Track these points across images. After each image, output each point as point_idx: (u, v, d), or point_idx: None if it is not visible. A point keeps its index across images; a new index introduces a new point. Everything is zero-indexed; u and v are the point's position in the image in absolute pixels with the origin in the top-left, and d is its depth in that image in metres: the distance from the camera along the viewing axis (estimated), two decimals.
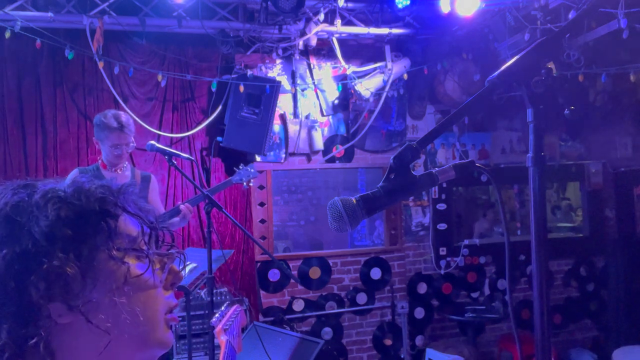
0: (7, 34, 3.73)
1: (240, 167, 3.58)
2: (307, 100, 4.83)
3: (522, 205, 5.72)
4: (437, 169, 1.02)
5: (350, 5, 4.45)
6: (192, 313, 3.40)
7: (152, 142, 3.01)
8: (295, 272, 4.76)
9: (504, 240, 1.06)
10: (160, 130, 4.39)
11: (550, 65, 3.81)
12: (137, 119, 4.07)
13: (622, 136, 5.54)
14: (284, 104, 4.72)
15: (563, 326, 5.51)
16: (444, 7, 3.97)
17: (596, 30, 3.97)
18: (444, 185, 5.18)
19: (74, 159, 4.17)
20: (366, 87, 4.70)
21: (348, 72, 4.77)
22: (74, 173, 3.10)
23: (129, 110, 4.06)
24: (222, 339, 1.81)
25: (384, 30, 4.54)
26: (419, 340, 5.11)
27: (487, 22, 4.45)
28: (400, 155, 0.97)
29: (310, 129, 4.76)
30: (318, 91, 4.82)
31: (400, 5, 4.20)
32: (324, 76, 4.84)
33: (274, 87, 4.37)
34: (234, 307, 1.99)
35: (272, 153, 4.68)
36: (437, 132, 1.04)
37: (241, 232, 4.45)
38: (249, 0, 4.26)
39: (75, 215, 0.69)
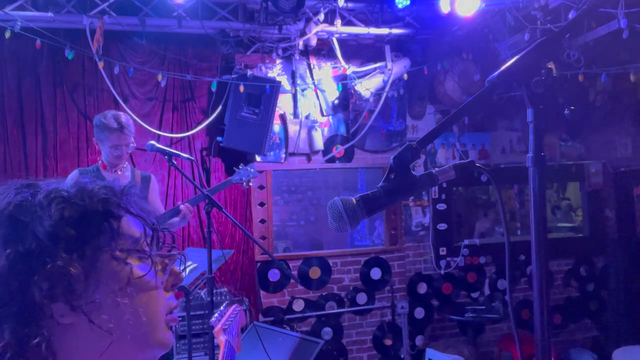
0: (7, 34, 3.73)
1: (240, 167, 3.58)
2: (307, 100, 4.83)
3: (522, 205, 5.73)
4: (437, 169, 1.02)
5: (350, 5, 4.44)
6: (192, 313, 3.40)
7: (152, 142, 3.01)
8: (295, 272, 4.76)
9: (504, 240, 1.06)
10: (160, 130, 4.39)
11: (550, 65, 3.81)
12: (137, 119, 4.07)
13: (622, 136, 5.54)
14: (284, 104, 4.72)
15: (563, 326, 5.51)
16: (444, 7, 3.97)
17: (596, 30, 3.97)
18: (444, 185, 5.18)
19: (74, 159, 4.17)
20: (366, 87, 4.70)
21: (348, 72, 4.77)
22: (74, 174, 3.10)
23: (129, 111, 4.07)
24: (221, 339, 1.81)
25: (384, 30, 4.54)
26: (419, 340, 5.11)
27: (487, 22, 4.45)
28: (400, 155, 0.97)
29: (310, 129, 4.76)
30: (318, 91, 4.82)
31: (400, 5, 4.20)
32: (324, 76, 4.84)
33: (274, 87, 4.37)
34: (233, 306, 1.98)
35: (272, 153, 4.68)
36: (437, 132, 1.04)
37: (241, 232, 4.45)
38: (249, 0, 4.26)
39: (78, 215, 0.70)
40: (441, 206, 5.18)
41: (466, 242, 5.23)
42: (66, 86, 4.19)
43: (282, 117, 4.72)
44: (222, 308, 1.96)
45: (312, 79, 4.81)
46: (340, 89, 4.80)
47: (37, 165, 4.10)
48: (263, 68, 4.63)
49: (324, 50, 4.79)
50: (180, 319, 3.80)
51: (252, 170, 3.57)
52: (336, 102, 4.88)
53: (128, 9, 4.02)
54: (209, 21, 4.17)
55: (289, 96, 4.76)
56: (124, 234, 0.73)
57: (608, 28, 3.83)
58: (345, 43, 4.73)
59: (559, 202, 5.96)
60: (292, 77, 4.76)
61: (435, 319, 5.20)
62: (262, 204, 4.72)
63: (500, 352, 5.08)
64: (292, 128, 4.71)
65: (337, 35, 4.53)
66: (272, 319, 4.60)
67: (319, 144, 4.78)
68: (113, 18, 3.95)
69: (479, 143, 5.39)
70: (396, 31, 4.57)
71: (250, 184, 3.70)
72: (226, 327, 1.84)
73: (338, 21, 4.33)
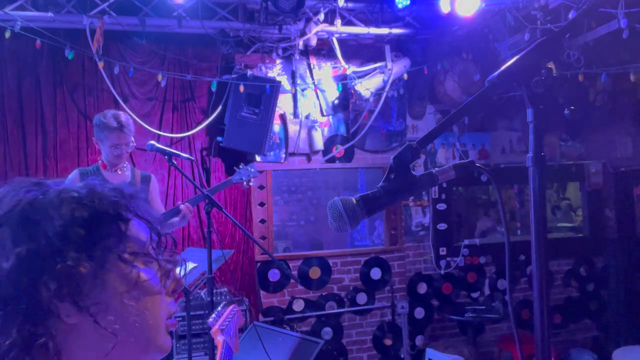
0: (7, 34, 3.73)
1: (241, 167, 3.58)
2: (307, 100, 4.83)
3: (522, 205, 5.72)
4: (437, 169, 1.02)
5: (350, 5, 4.44)
6: (192, 313, 3.40)
7: (152, 142, 3.01)
8: (295, 272, 4.76)
9: (504, 240, 1.06)
10: (160, 130, 4.39)
11: (550, 65, 3.81)
12: (137, 119, 4.07)
13: (622, 136, 5.54)
14: (284, 104, 4.72)
15: (563, 326, 5.51)
16: (444, 7, 3.97)
17: (596, 30, 3.97)
18: (444, 185, 5.18)
19: (74, 159, 4.17)
20: (366, 87, 4.70)
21: (348, 72, 4.77)
22: (74, 174, 3.10)
23: (129, 110, 4.07)
24: (218, 339, 1.81)
25: (384, 30, 4.54)
26: (419, 340, 5.11)
27: (487, 22, 4.45)
28: (400, 155, 0.97)
29: (310, 129, 4.76)
30: (318, 91, 4.82)
31: (400, 5, 4.20)
32: (324, 76, 4.84)
33: (274, 87, 4.37)
34: (231, 307, 1.98)
35: (272, 153, 4.68)
36: (437, 132, 1.04)
37: (241, 232, 4.45)
38: (249, 0, 4.26)
39: (89, 216, 0.70)
40: (441, 206, 5.18)
41: (466, 242, 5.23)
42: (66, 86, 4.19)
43: (282, 117, 4.72)
44: (219, 309, 1.96)
45: (312, 79, 4.81)
46: (340, 89, 4.80)
47: (37, 165, 4.10)
48: (263, 68, 4.63)
49: (324, 50, 4.79)
50: (180, 319, 3.80)
51: (252, 170, 3.57)
52: (336, 102, 4.88)
53: (128, 9, 4.02)
54: (209, 21, 4.17)
55: (289, 96, 4.77)
56: (131, 237, 0.74)
57: (608, 28, 3.83)
58: (345, 43, 4.73)
59: (559, 202, 5.96)
60: (292, 77, 4.76)
61: (435, 319, 5.20)
62: (262, 204, 4.72)
63: (500, 352, 5.08)
64: (292, 128, 4.71)
65: (337, 35, 4.53)
66: (272, 319, 4.60)
67: (319, 144, 4.78)
68: (113, 18, 3.95)
69: (479, 143, 5.39)
70: (396, 31, 4.57)
71: (251, 183, 3.70)
72: (224, 327, 1.84)
73: (338, 21, 4.33)
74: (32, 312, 0.65)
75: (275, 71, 4.70)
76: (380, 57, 4.81)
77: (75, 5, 3.89)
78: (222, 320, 1.88)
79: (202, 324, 3.83)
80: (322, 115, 4.87)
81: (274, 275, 4.71)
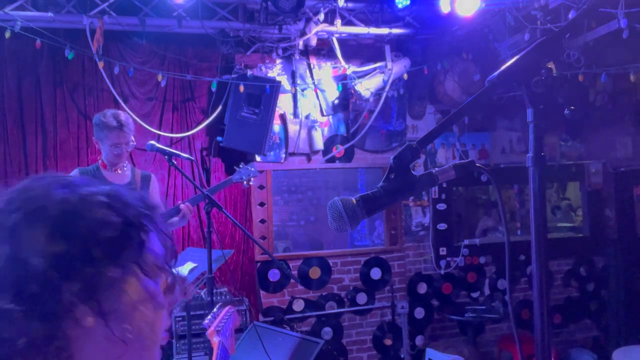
0: (7, 34, 3.73)
1: (241, 166, 3.59)
2: (307, 100, 4.83)
3: (522, 205, 5.72)
4: (437, 169, 1.02)
5: (350, 5, 4.44)
6: (192, 313, 3.40)
7: (152, 142, 3.01)
8: (295, 272, 4.76)
9: (504, 240, 1.06)
10: (160, 130, 4.39)
11: (550, 65, 3.80)
12: (137, 119, 4.07)
13: (622, 136, 5.54)
14: (284, 104, 4.72)
15: (563, 326, 5.51)
16: (444, 7, 3.97)
17: (596, 30, 3.97)
18: (444, 185, 5.18)
19: (74, 159, 4.17)
20: (366, 87, 4.70)
21: (348, 72, 4.77)
22: (74, 173, 3.09)
23: (129, 110, 4.06)
24: (214, 341, 1.81)
25: (384, 30, 4.54)
26: (419, 340, 5.11)
27: (487, 22, 4.45)
28: (400, 155, 0.97)
29: (310, 129, 4.76)
30: (318, 91, 4.82)
31: (400, 5, 4.19)
32: (324, 76, 4.84)
33: (274, 87, 4.37)
34: (227, 308, 1.98)
35: (272, 153, 4.68)
36: (437, 132, 1.04)
37: (241, 232, 4.45)
38: (249, 0, 4.26)
39: (118, 223, 0.70)
40: (441, 206, 5.18)
41: (466, 242, 5.23)
42: (66, 86, 4.19)
43: (282, 117, 4.72)
44: (215, 310, 1.96)
45: (312, 79, 4.81)
46: (340, 89, 4.80)
47: (37, 165, 4.10)
48: (263, 68, 4.63)
49: (324, 50, 4.79)
50: (180, 318, 3.80)
51: (252, 169, 3.57)
52: (336, 102, 4.88)
53: (128, 9, 4.02)
54: (209, 21, 4.17)
55: (289, 96, 4.77)
56: (150, 249, 0.74)
57: (608, 28, 3.83)
58: (345, 43, 4.73)
59: (559, 202, 5.96)
60: (292, 77, 4.76)
61: (435, 319, 5.20)
62: (262, 204, 4.72)
63: (500, 352, 5.08)
64: (292, 128, 4.71)
65: (337, 35, 4.53)
66: (272, 319, 4.60)
67: (319, 144, 4.78)
68: (113, 18, 3.95)
69: (479, 143, 5.39)
70: (396, 31, 4.57)
71: (251, 183, 3.70)
72: (219, 328, 1.84)
73: (338, 21, 4.33)
74: (53, 312, 0.65)
75: (275, 71, 4.70)
76: (380, 57, 4.81)
77: (75, 5, 3.89)
78: (218, 322, 1.87)
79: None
80: (322, 115, 4.87)
81: (274, 275, 4.71)
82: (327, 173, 5.73)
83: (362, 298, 4.98)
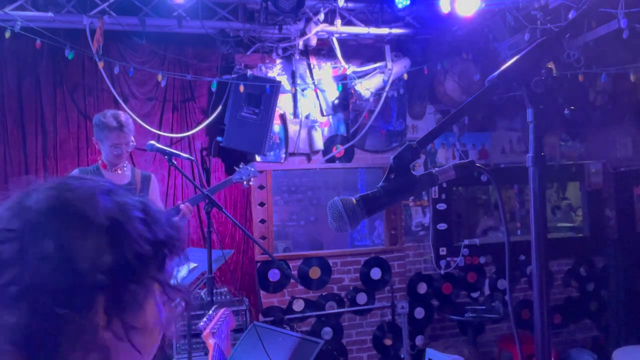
0: (7, 34, 3.73)
1: (241, 166, 3.59)
2: (307, 100, 4.83)
3: (522, 205, 5.72)
4: (437, 169, 1.02)
5: (350, 5, 4.44)
6: (192, 313, 3.39)
7: (152, 142, 3.01)
8: (295, 272, 4.76)
9: (504, 240, 1.06)
10: (160, 130, 4.39)
11: (550, 65, 3.81)
12: (137, 119, 4.07)
13: (622, 136, 5.54)
14: (284, 104, 4.72)
15: (563, 326, 5.51)
16: (444, 7, 3.97)
17: (596, 30, 3.97)
18: (444, 185, 5.18)
19: (74, 159, 4.17)
20: (366, 87, 4.70)
21: (348, 72, 4.77)
22: (74, 173, 3.10)
23: (129, 110, 4.07)
24: (210, 342, 1.81)
25: (384, 30, 4.54)
26: (419, 340, 5.11)
27: (487, 22, 4.45)
28: (400, 155, 0.97)
29: (310, 129, 4.76)
30: (318, 91, 4.82)
31: (400, 5, 4.19)
32: (324, 76, 4.84)
33: (274, 87, 4.37)
34: (222, 310, 1.98)
35: (272, 153, 4.68)
36: (437, 132, 1.04)
37: (241, 232, 4.45)
38: (249, 0, 4.26)
39: (150, 240, 0.71)
40: (441, 206, 5.18)
41: (466, 242, 5.23)
42: (66, 86, 4.19)
43: (282, 117, 4.72)
44: (210, 312, 1.96)
45: (312, 78, 4.81)
46: (340, 89, 4.80)
47: (37, 165, 4.10)
48: (263, 68, 4.63)
49: (324, 50, 4.79)
50: (180, 318, 3.79)
51: (252, 169, 3.58)
52: (336, 102, 4.88)
53: (128, 9, 4.02)
54: (209, 21, 4.17)
55: (289, 96, 4.76)
56: (168, 271, 0.75)
57: (608, 28, 3.83)
58: (345, 43, 4.73)
59: (559, 202, 5.96)
60: (292, 77, 4.76)
61: (435, 319, 5.20)
62: (262, 204, 4.72)
63: (500, 352, 5.08)
64: (292, 128, 4.71)
65: (337, 35, 4.53)
66: (272, 319, 4.60)
67: (319, 144, 4.78)
68: (113, 18, 3.95)
69: (479, 143, 5.39)
70: (396, 31, 4.57)
71: (251, 183, 3.70)
72: (215, 330, 1.85)
73: (338, 21, 4.33)
74: (86, 321, 0.65)
75: (275, 71, 4.70)
76: (380, 57, 4.81)
77: (75, 5, 3.89)
78: (213, 324, 1.88)
79: None
80: (322, 115, 4.87)
81: (274, 275, 4.71)
82: (327, 173, 5.73)
83: (362, 298, 4.98)
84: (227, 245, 4.47)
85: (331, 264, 4.91)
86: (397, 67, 4.79)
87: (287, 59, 4.69)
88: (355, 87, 4.72)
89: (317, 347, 3.05)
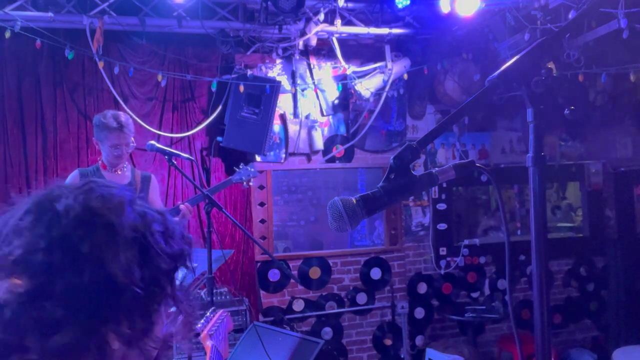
0: (7, 34, 3.73)
1: (241, 167, 3.59)
2: (307, 100, 4.83)
3: (522, 205, 5.72)
4: (437, 169, 1.03)
5: (350, 5, 4.44)
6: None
7: (152, 142, 3.01)
8: (295, 272, 4.76)
9: (504, 240, 1.06)
10: (160, 130, 4.39)
11: (550, 65, 3.81)
12: (137, 119, 4.07)
13: (622, 136, 5.54)
14: (284, 104, 4.72)
15: (563, 326, 5.51)
16: (444, 7, 3.97)
17: (596, 30, 3.97)
18: (444, 185, 5.18)
19: (74, 159, 4.17)
20: (366, 87, 4.70)
21: (348, 72, 4.77)
22: (74, 174, 3.10)
23: (129, 110, 4.07)
24: (207, 344, 1.81)
25: (384, 30, 4.54)
26: (419, 340, 5.11)
27: (487, 22, 4.45)
28: (400, 155, 0.97)
29: (310, 129, 4.76)
30: (318, 91, 4.82)
31: (400, 5, 4.19)
32: (324, 76, 4.83)
33: (274, 87, 4.37)
34: (220, 312, 1.99)
35: (272, 153, 4.68)
36: (437, 132, 1.04)
37: (241, 232, 4.45)
38: (249, 0, 4.26)
39: (169, 254, 0.72)
40: (441, 206, 5.18)
41: (466, 242, 5.23)
42: (66, 86, 4.19)
43: (282, 117, 4.72)
44: (208, 314, 1.96)
45: (312, 78, 4.81)
46: (340, 89, 4.80)
47: (37, 165, 4.10)
48: (263, 68, 4.63)
49: (324, 50, 4.79)
50: None
51: (252, 169, 3.57)
52: (336, 102, 4.88)
53: (128, 9, 4.02)
54: (209, 21, 4.17)
55: (289, 96, 4.76)
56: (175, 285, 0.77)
57: (608, 28, 3.83)
58: (345, 43, 4.73)
59: (559, 202, 5.96)
60: (292, 77, 4.76)
61: (435, 319, 5.20)
62: (262, 204, 4.72)
63: (500, 352, 5.08)
64: (292, 128, 4.71)
65: (337, 35, 4.53)
66: (272, 319, 4.60)
67: (319, 144, 4.78)
68: (113, 18, 3.95)
69: (479, 143, 5.39)
70: (396, 31, 4.57)
71: (251, 183, 3.70)
72: (212, 332, 1.84)
73: (338, 21, 4.33)
74: (93, 344, 0.65)
75: (275, 71, 4.70)
76: (380, 57, 4.81)
77: (75, 5, 3.89)
78: (211, 325, 1.88)
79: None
80: (322, 115, 4.87)
81: (274, 275, 4.71)
82: (327, 173, 5.72)
83: (362, 298, 4.98)
84: (227, 245, 4.47)
85: (331, 264, 4.91)
86: (397, 67, 4.79)
87: (287, 59, 4.69)
88: (355, 87, 4.72)
89: (317, 347, 3.05)
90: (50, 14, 3.78)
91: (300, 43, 4.39)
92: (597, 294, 5.60)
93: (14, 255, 0.63)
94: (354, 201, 0.98)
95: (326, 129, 4.91)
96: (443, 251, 5.17)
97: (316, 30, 4.28)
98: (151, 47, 4.34)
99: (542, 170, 0.96)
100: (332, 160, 4.92)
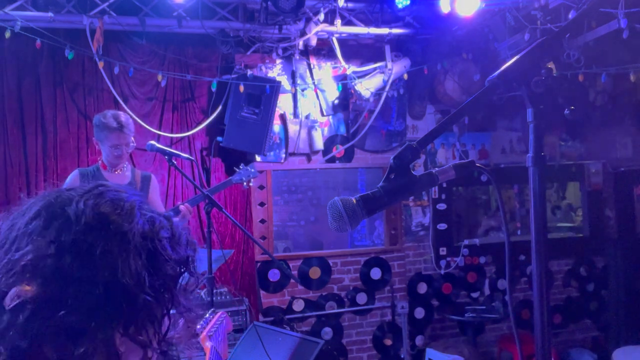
0: (7, 34, 3.73)
1: (241, 167, 3.58)
2: (307, 100, 4.83)
3: (522, 205, 5.72)
4: (437, 169, 1.02)
5: (350, 5, 4.44)
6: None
7: (152, 142, 3.01)
8: (295, 272, 4.76)
9: (504, 240, 1.06)
10: (160, 130, 4.39)
11: (550, 65, 3.81)
12: (137, 119, 4.07)
13: (622, 136, 5.54)
14: (284, 104, 4.72)
15: (563, 326, 5.51)
16: (444, 7, 3.97)
17: (596, 30, 3.97)
18: (444, 185, 5.18)
19: (74, 159, 4.17)
20: (366, 87, 4.70)
21: (348, 72, 4.77)
22: (74, 174, 3.10)
23: (129, 110, 4.06)
24: (206, 346, 1.81)
25: (384, 30, 4.53)
26: (419, 340, 5.11)
27: (487, 22, 4.45)
28: (400, 155, 0.97)
29: (310, 129, 4.76)
30: (318, 91, 4.82)
31: (400, 5, 4.19)
32: (324, 76, 4.83)
33: (274, 87, 4.37)
34: (219, 313, 1.99)
35: (272, 153, 4.68)
36: (437, 132, 1.04)
37: (241, 232, 4.45)
38: (249, 0, 4.26)
39: (176, 259, 0.73)
40: (441, 206, 5.18)
41: (466, 242, 5.23)
42: (66, 86, 4.19)
43: (282, 117, 4.72)
44: (207, 315, 1.96)
45: (312, 78, 4.81)
46: (340, 89, 4.80)
47: (37, 165, 4.10)
48: (263, 68, 4.62)
49: (324, 50, 4.79)
50: None
51: (252, 170, 3.57)
52: (336, 102, 4.88)
53: (128, 9, 4.02)
54: (209, 21, 4.17)
55: (289, 96, 4.76)
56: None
57: (608, 28, 3.83)
58: (345, 43, 4.73)
59: (559, 202, 5.96)
60: (292, 77, 4.76)
61: (435, 319, 5.20)
62: (262, 204, 4.72)
63: (500, 352, 5.08)
64: (292, 128, 4.71)
65: (337, 35, 4.53)
66: (272, 319, 4.60)
67: (319, 144, 4.78)
68: (113, 18, 3.94)
69: (479, 143, 5.38)
70: (396, 31, 4.57)
71: (251, 184, 3.70)
72: (212, 333, 1.84)
73: (338, 21, 4.33)
74: (114, 328, 0.65)
75: (275, 71, 4.70)
76: (380, 57, 4.81)
77: (75, 5, 3.89)
78: (210, 327, 1.88)
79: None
80: (322, 115, 4.87)
81: (274, 275, 4.71)
82: (327, 173, 5.72)
83: (362, 298, 4.98)
84: (227, 245, 4.47)
85: (331, 264, 4.91)
86: (397, 67, 4.79)
87: (287, 59, 4.69)
88: (355, 87, 4.72)
89: (317, 347, 3.05)
90: (50, 14, 3.78)
91: (300, 43, 4.39)
92: (597, 294, 5.60)
93: (24, 261, 0.62)
94: (354, 201, 0.98)
95: (326, 129, 4.91)
96: (443, 251, 5.17)
97: (316, 30, 4.28)
98: (151, 47, 4.34)
99: (542, 170, 0.96)
100: (332, 160, 4.92)
